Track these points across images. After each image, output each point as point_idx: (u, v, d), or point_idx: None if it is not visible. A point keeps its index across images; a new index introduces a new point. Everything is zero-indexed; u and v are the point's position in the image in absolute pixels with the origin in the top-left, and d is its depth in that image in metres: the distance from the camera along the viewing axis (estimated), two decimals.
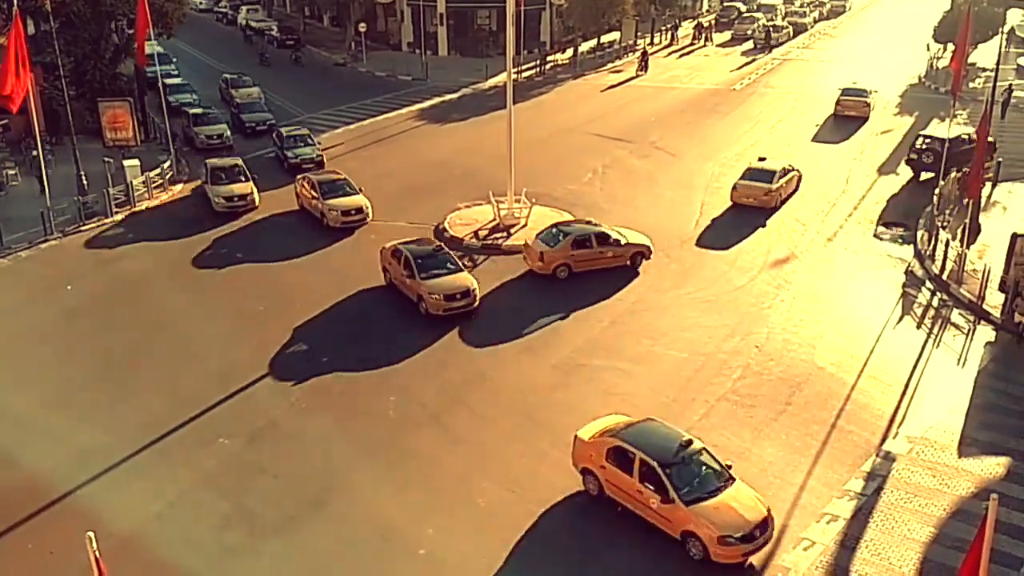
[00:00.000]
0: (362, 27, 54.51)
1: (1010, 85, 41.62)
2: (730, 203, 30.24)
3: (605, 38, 58.45)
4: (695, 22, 64.99)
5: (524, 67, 51.70)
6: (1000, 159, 31.39)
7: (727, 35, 63.15)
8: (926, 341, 21.78)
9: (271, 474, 17.13)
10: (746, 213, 29.64)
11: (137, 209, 30.39)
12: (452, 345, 21.76)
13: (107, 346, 21.88)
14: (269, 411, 19.05)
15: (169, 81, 41.06)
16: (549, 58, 54.06)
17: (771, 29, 60.01)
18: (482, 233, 28.08)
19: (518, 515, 15.84)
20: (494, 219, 28.72)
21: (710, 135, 39.09)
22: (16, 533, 15.49)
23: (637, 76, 50.91)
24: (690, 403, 19.13)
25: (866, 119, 39.91)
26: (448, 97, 46.46)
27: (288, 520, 15.84)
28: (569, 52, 55.26)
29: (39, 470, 17.05)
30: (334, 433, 18.39)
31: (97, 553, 9.47)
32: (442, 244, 24.74)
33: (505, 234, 28.00)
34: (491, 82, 48.64)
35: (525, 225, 28.46)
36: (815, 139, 38.45)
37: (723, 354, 21.06)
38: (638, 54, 53.92)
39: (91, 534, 9.45)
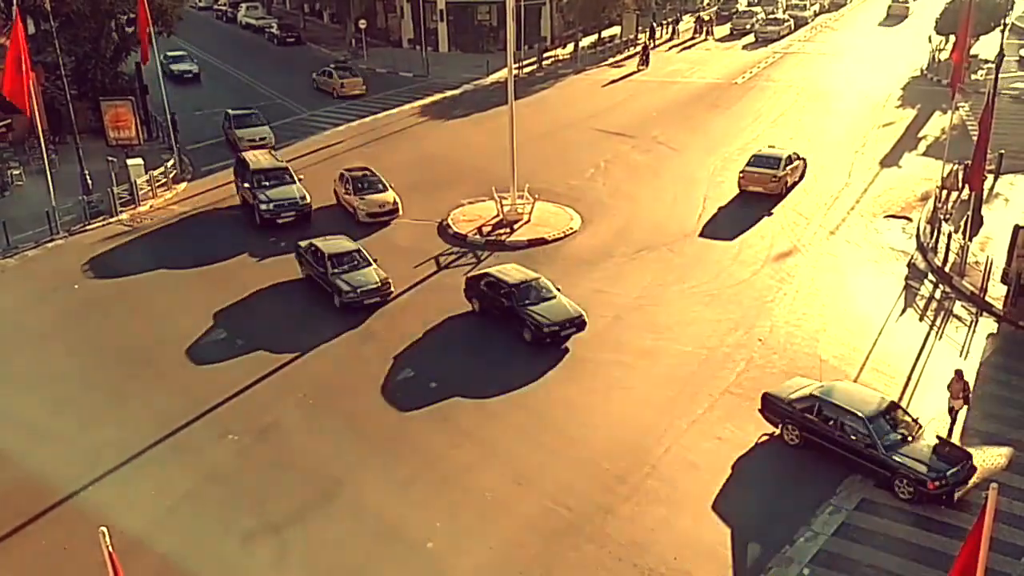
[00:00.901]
0: (362, 24, 54.54)
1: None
2: (734, 193, 30.34)
3: (606, 33, 58.43)
4: (696, 16, 64.94)
5: (525, 62, 51.71)
6: (1002, 151, 31.42)
7: (727, 29, 63.12)
8: (928, 333, 21.87)
9: (279, 469, 17.27)
10: (749, 206, 29.75)
11: (142, 208, 30.52)
12: (455, 340, 21.86)
13: (114, 344, 22.02)
14: (276, 407, 19.19)
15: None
16: (549, 53, 54.05)
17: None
18: (486, 229, 28.20)
19: (525, 508, 15.97)
20: (497, 215, 28.82)
21: (712, 129, 39.12)
22: (29, 530, 15.66)
23: (638, 71, 50.91)
24: (694, 397, 19.25)
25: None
26: (449, 93, 46.48)
27: (297, 514, 15.98)
28: (570, 47, 55.27)
29: (49, 467, 17.22)
30: (341, 428, 18.52)
31: (111, 548, 9.52)
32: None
33: (508, 230, 28.12)
34: (492, 78, 48.63)
35: (528, 221, 28.58)
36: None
37: (727, 348, 21.16)
38: (639, 48, 53.91)
39: (104, 529, 9.52)
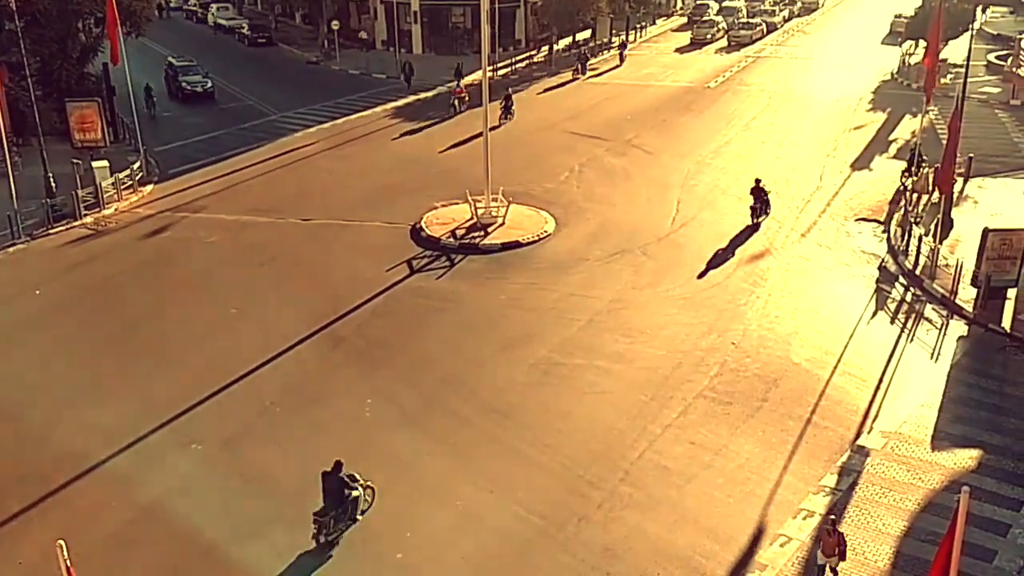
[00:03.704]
0: (335, 25, 54.13)
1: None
2: (707, 196, 30.45)
3: (580, 36, 58.46)
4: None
5: (499, 65, 51.58)
6: (971, 154, 31.79)
7: (687, 39, 62.55)
8: (899, 336, 21.99)
9: (246, 478, 16.94)
10: (720, 210, 29.83)
11: (107, 211, 29.96)
12: (428, 346, 21.64)
13: (76, 351, 21.52)
14: (243, 415, 18.84)
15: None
16: (524, 55, 53.92)
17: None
18: (460, 232, 27.99)
19: (498, 517, 15.77)
20: (471, 218, 28.63)
21: (685, 133, 39.25)
22: None
23: (575, 78, 49.42)
24: (668, 401, 19.17)
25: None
26: (423, 95, 46.24)
27: (264, 524, 15.66)
28: (544, 50, 55.24)
29: (5, 478, 16.74)
30: (309, 436, 18.21)
31: (68, 562, 9.31)
32: None
33: (482, 233, 27.93)
34: (466, 80, 48.45)
35: (503, 224, 28.41)
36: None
37: (700, 351, 21.12)
38: (576, 64, 50.70)
39: (62, 542, 9.29)
